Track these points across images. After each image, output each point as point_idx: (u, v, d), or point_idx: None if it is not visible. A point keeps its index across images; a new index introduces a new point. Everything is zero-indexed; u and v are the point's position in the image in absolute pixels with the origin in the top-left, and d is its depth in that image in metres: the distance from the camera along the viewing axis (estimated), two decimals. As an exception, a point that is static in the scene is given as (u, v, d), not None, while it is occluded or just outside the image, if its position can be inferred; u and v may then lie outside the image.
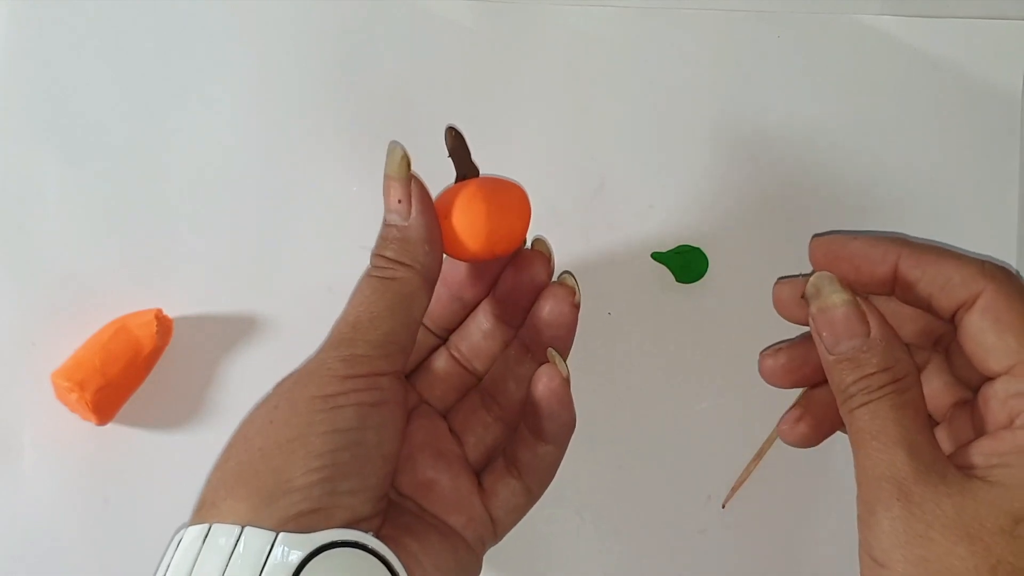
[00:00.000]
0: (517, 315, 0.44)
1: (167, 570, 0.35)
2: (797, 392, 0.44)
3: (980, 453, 0.35)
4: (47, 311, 0.50)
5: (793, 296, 0.41)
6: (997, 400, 0.36)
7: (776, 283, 0.42)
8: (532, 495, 0.42)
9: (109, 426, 0.49)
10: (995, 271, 0.36)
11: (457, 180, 0.42)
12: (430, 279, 0.40)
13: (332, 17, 0.52)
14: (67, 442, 0.49)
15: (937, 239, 0.51)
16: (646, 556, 0.50)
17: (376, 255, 0.39)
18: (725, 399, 0.50)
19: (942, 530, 0.33)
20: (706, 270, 0.50)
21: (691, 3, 0.52)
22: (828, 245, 0.40)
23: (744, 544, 0.50)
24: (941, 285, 0.37)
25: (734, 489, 0.48)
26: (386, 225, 0.40)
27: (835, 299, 0.36)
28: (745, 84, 0.52)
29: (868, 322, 0.36)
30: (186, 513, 0.49)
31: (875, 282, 0.39)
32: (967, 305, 0.36)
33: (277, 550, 0.33)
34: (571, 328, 0.43)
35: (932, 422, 0.40)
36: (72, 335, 0.49)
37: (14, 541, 0.49)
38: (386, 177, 0.40)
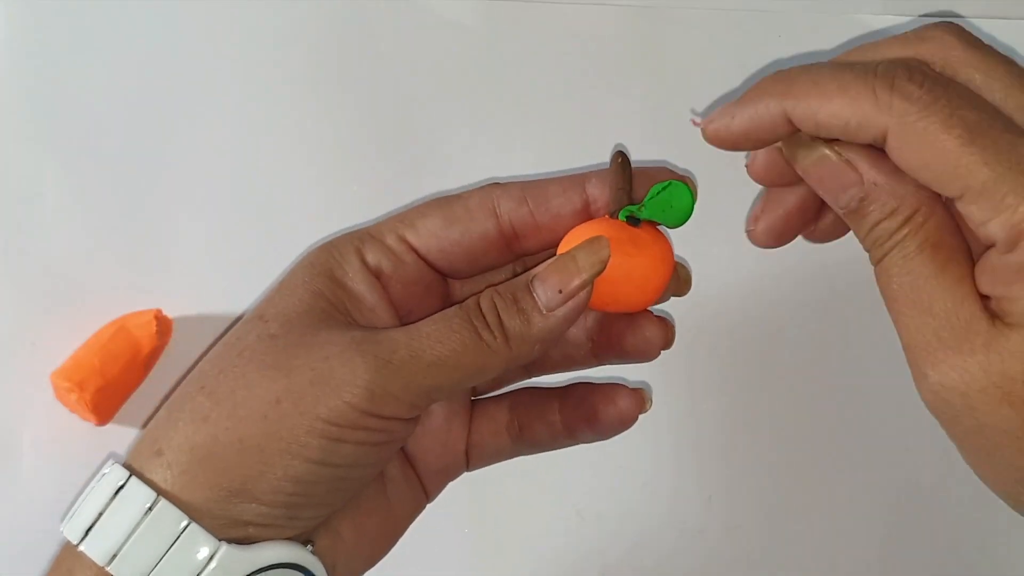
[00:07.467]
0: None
1: (97, 516, 0.33)
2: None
3: (989, 283, 0.30)
4: (47, 311, 0.50)
5: (770, 163, 0.36)
6: (973, 223, 0.30)
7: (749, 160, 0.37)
8: (517, 454, 0.39)
9: (109, 426, 0.49)
10: (892, 99, 0.30)
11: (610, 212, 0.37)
12: (511, 368, 0.34)
13: (333, 17, 0.52)
14: (67, 442, 0.49)
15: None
16: (646, 556, 0.50)
17: (488, 303, 0.34)
18: (726, 399, 0.50)
19: (980, 395, 0.30)
20: (692, 204, 0.39)
21: (691, 3, 0.52)
22: (716, 133, 0.34)
23: (743, 545, 0.50)
24: (842, 128, 0.31)
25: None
26: (525, 291, 0.34)
27: (812, 157, 0.33)
28: (745, 84, 0.52)
29: (856, 169, 0.32)
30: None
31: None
32: (880, 142, 0.31)
33: (214, 562, 0.31)
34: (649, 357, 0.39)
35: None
36: (72, 335, 0.49)
37: (14, 541, 0.49)
38: (571, 259, 0.34)
